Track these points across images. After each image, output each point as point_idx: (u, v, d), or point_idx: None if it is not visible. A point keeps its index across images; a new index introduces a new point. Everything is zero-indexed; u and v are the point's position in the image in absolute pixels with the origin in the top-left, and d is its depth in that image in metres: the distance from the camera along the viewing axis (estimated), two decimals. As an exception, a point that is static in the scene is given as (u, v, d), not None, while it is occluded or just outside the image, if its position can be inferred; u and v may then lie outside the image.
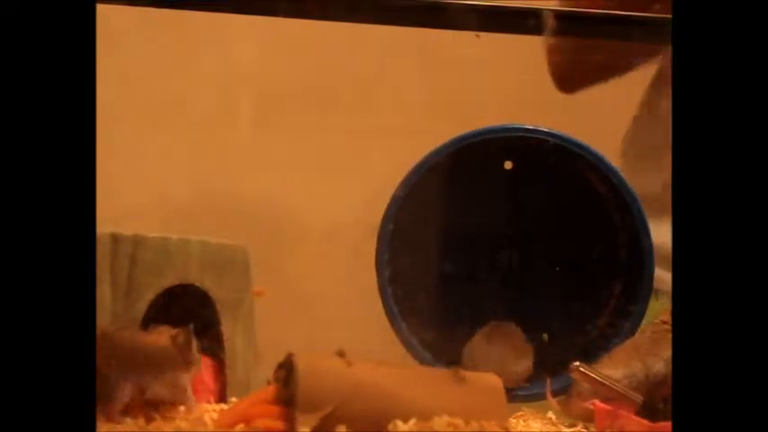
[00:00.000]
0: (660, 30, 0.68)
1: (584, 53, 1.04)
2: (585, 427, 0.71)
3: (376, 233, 0.79)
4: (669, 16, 0.61)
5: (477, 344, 0.80)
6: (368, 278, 0.82)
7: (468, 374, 0.63)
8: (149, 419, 0.64)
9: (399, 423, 0.58)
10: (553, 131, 0.79)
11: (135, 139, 1.25)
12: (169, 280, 0.73)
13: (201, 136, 1.29)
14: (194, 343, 0.67)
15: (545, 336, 0.83)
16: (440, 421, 0.58)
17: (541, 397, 0.79)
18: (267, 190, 1.23)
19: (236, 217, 1.24)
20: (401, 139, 1.07)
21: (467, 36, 0.73)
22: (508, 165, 0.83)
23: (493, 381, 0.63)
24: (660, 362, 0.70)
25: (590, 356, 0.77)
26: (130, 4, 0.61)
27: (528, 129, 0.80)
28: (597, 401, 0.70)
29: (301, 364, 0.59)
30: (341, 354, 0.61)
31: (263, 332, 0.84)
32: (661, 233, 0.77)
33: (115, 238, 0.71)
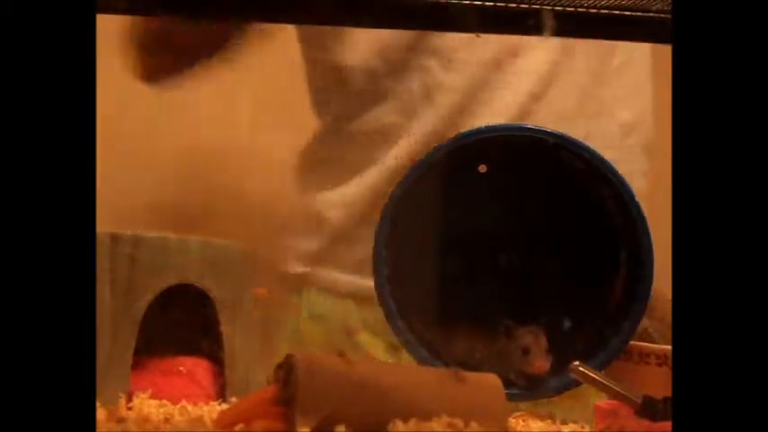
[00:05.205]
0: (660, 29, 0.68)
1: (167, 39, 1.02)
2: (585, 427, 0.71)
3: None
4: (669, 16, 0.61)
5: None
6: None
7: (468, 374, 0.63)
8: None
9: (399, 423, 0.58)
10: (553, 131, 0.79)
11: (135, 139, 1.25)
12: (169, 280, 0.73)
13: (201, 136, 1.29)
14: None
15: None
16: (440, 421, 0.58)
17: (540, 396, 0.79)
18: (267, 190, 1.24)
19: (236, 217, 1.24)
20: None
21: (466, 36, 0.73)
22: (508, 164, 0.83)
23: (493, 381, 0.63)
24: None
25: (590, 356, 0.77)
26: (130, 14, 0.61)
27: (528, 128, 0.80)
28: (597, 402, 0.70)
29: (301, 364, 0.59)
30: (341, 354, 0.61)
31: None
32: None
33: (114, 238, 0.71)
